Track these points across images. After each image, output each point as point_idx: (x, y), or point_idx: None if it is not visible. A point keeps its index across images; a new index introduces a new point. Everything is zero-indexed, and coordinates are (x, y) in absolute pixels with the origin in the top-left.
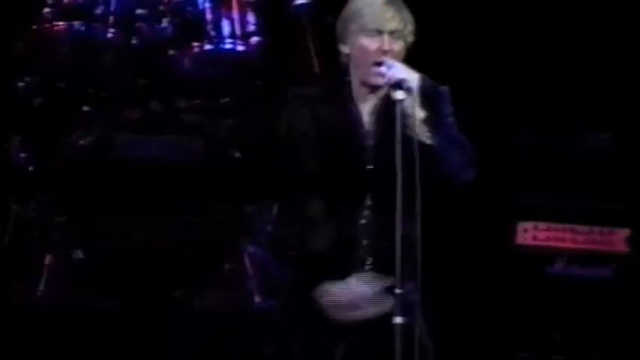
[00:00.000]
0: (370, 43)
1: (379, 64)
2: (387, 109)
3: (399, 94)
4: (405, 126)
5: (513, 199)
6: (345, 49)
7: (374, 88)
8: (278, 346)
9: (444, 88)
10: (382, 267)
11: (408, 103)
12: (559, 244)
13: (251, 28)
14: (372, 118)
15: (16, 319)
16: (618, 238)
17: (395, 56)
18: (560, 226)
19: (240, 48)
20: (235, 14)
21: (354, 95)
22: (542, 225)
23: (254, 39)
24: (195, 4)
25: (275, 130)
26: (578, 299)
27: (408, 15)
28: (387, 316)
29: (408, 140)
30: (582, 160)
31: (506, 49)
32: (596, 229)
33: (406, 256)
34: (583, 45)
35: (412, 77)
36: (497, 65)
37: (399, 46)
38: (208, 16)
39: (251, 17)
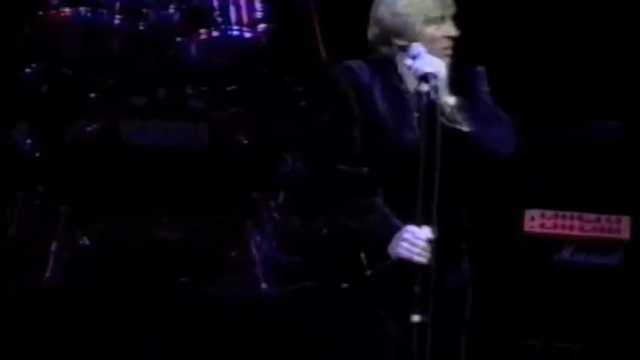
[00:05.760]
0: (436, 31)
1: (449, 48)
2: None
3: (424, 87)
4: (437, 114)
5: (521, 187)
6: (399, 41)
7: None
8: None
9: (480, 69)
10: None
11: (434, 95)
12: (566, 232)
13: (258, 15)
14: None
15: (23, 305)
16: (625, 226)
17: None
18: (567, 213)
19: (247, 35)
20: (242, 1)
21: (404, 84)
22: (549, 213)
23: (261, 26)
24: None
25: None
26: (586, 287)
27: None
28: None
29: (446, 130)
30: (590, 147)
31: (514, 39)
32: (604, 216)
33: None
34: (592, 33)
35: (438, 70)
36: (506, 55)
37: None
38: (215, 2)
39: (258, 4)
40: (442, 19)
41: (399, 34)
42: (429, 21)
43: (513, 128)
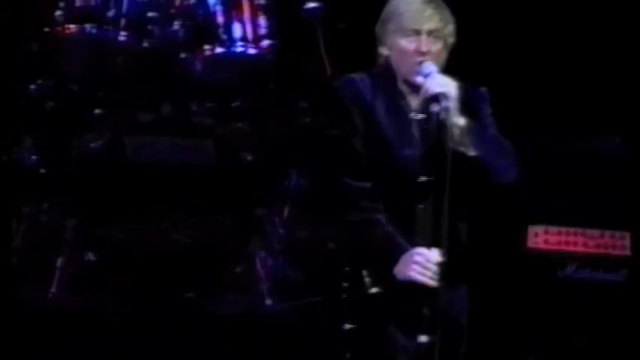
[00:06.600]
0: (408, 44)
1: (420, 63)
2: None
3: (435, 107)
4: (446, 135)
5: (524, 203)
6: (383, 50)
7: (416, 87)
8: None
9: (484, 90)
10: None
11: (444, 116)
12: (570, 248)
13: (262, 31)
14: (417, 120)
15: (28, 320)
16: (629, 243)
17: (434, 57)
18: (571, 229)
19: (251, 51)
20: (247, 17)
21: (402, 90)
22: (553, 229)
23: (265, 42)
24: (207, 7)
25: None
26: (590, 304)
27: (447, 14)
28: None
29: (450, 151)
30: (593, 163)
31: (517, 53)
32: (607, 233)
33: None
34: (594, 47)
35: (449, 90)
36: (510, 69)
37: (437, 46)
38: (220, 19)
39: (262, 20)
40: (417, 32)
41: (380, 42)
42: (402, 33)
43: (514, 157)
